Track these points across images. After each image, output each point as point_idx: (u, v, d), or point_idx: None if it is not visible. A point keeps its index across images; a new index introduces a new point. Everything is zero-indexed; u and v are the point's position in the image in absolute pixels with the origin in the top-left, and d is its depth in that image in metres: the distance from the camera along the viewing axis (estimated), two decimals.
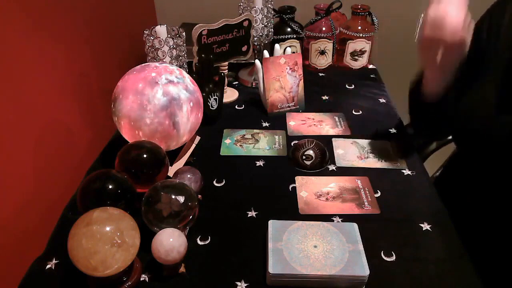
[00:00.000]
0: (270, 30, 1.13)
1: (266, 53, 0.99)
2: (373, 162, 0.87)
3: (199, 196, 0.75)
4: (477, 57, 0.78)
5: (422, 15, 0.69)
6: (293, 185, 0.80)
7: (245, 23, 1.04)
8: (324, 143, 0.88)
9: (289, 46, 1.13)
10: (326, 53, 1.23)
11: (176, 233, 0.60)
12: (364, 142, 0.93)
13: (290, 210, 0.74)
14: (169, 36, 0.93)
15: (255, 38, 1.11)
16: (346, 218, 0.72)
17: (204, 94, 0.92)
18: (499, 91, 0.72)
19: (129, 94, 0.74)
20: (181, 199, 0.63)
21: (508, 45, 0.71)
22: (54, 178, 0.88)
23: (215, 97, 0.97)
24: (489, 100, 0.73)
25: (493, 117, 0.71)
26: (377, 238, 0.68)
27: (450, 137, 1.10)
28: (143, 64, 0.79)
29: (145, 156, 0.70)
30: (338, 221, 0.72)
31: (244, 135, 0.95)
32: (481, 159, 0.78)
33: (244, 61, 1.16)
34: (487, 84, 0.74)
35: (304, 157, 0.84)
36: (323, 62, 1.25)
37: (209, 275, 0.63)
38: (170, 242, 0.59)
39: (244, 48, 1.09)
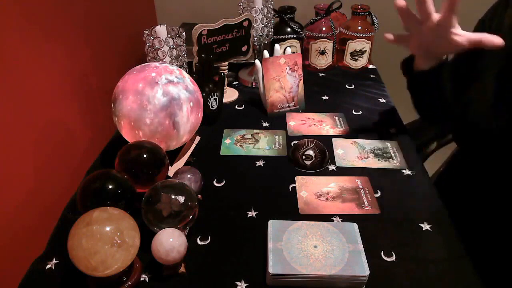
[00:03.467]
0: (270, 30, 1.13)
1: (266, 53, 0.99)
2: (373, 162, 0.87)
3: (199, 196, 0.75)
4: (478, 53, 0.78)
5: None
6: (293, 185, 0.80)
7: (245, 23, 1.04)
8: (324, 143, 0.88)
9: (289, 46, 1.13)
10: (326, 53, 1.23)
11: (176, 233, 0.60)
12: (364, 142, 0.93)
13: (290, 210, 0.74)
14: (169, 36, 0.93)
15: (255, 38, 1.11)
16: (346, 218, 0.72)
17: (204, 94, 0.92)
18: (497, 88, 0.72)
19: (129, 94, 0.74)
20: (181, 199, 0.63)
21: (507, 44, 0.71)
22: (54, 178, 0.88)
23: (215, 97, 0.97)
24: (486, 96, 0.73)
25: (489, 112, 0.72)
26: (377, 238, 0.68)
27: (450, 137, 1.11)
28: (143, 64, 0.79)
29: (145, 156, 0.70)
30: (338, 221, 0.72)
31: (244, 135, 0.96)
32: (481, 155, 0.78)
33: (244, 61, 1.16)
34: (486, 81, 0.74)
35: (304, 157, 0.84)
36: (323, 62, 1.25)
37: (209, 275, 0.63)
38: (170, 242, 0.59)
39: (244, 48, 1.09)
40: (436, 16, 0.68)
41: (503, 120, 0.70)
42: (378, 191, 0.79)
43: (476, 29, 0.80)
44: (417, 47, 0.75)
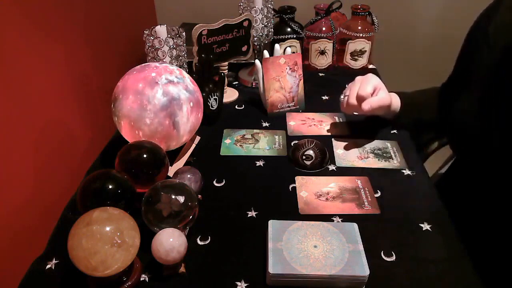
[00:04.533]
0: (270, 30, 1.13)
1: (266, 53, 0.99)
2: (373, 162, 0.87)
3: (199, 196, 0.75)
4: (467, 64, 0.79)
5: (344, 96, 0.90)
6: (293, 185, 0.80)
7: (245, 23, 1.04)
8: (324, 143, 0.88)
9: (289, 46, 1.13)
10: (326, 53, 1.23)
11: (176, 233, 0.60)
12: (364, 142, 0.93)
13: (290, 210, 0.74)
14: (169, 36, 0.93)
15: (255, 38, 1.11)
16: (346, 218, 0.72)
17: (204, 94, 0.92)
18: (485, 94, 0.73)
19: (129, 94, 0.74)
20: (181, 199, 0.63)
21: (495, 52, 0.72)
22: (54, 178, 0.88)
23: (215, 97, 0.97)
24: (476, 105, 0.74)
25: (482, 121, 0.72)
26: (377, 238, 0.68)
27: None
28: (143, 64, 0.79)
29: (145, 156, 0.70)
30: (338, 221, 0.72)
31: (244, 135, 0.96)
32: (477, 162, 0.79)
33: (244, 61, 1.16)
34: (476, 88, 0.75)
35: (304, 157, 0.84)
36: (323, 62, 1.25)
37: (209, 275, 0.63)
38: (170, 242, 0.59)
39: (244, 48, 1.09)
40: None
41: (500, 124, 0.70)
42: (378, 191, 0.79)
43: (469, 35, 0.81)
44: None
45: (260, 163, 0.87)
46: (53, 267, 0.64)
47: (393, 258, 0.65)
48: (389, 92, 0.91)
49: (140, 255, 0.60)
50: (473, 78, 0.77)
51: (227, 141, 0.94)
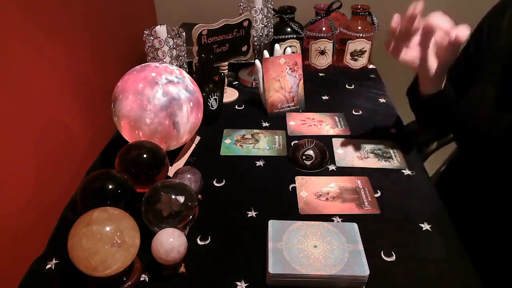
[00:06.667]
0: (270, 30, 1.13)
1: (266, 53, 0.99)
2: (373, 162, 0.87)
3: (199, 196, 0.75)
4: (477, 57, 0.79)
5: None
6: (293, 185, 0.80)
7: (245, 23, 1.05)
8: (324, 143, 0.88)
9: (289, 46, 1.13)
10: (326, 53, 1.23)
11: (176, 233, 0.60)
12: (364, 142, 0.93)
13: (290, 210, 0.74)
14: (169, 36, 0.93)
15: (255, 38, 1.11)
16: (346, 218, 0.72)
17: (204, 94, 0.92)
18: (497, 91, 0.72)
19: (129, 94, 0.74)
20: (181, 199, 0.63)
21: (507, 46, 0.72)
22: (54, 178, 0.88)
23: (215, 97, 0.97)
24: (487, 99, 0.73)
25: (491, 115, 0.72)
26: (377, 238, 0.68)
27: (450, 137, 1.11)
28: (143, 64, 0.79)
29: (145, 156, 0.70)
30: (338, 221, 0.72)
31: (244, 135, 0.96)
32: (481, 157, 0.78)
33: (244, 61, 1.16)
34: (486, 84, 0.74)
35: (304, 157, 0.84)
36: (323, 62, 1.25)
37: (209, 275, 0.63)
38: (170, 242, 0.59)
39: (244, 48, 1.09)
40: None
41: (504, 123, 0.70)
42: (378, 191, 0.79)
43: (474, 35, 0.81)
44: (428, 66, 0.72)
45: (260, 163, 0.87)
46: (53, 267, 0.64)
47: (393, 258, 0.65)
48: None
49: (140, 255, 0.60)
50: (484, 72, 0.76)
51: (227, 141, 0.94)
